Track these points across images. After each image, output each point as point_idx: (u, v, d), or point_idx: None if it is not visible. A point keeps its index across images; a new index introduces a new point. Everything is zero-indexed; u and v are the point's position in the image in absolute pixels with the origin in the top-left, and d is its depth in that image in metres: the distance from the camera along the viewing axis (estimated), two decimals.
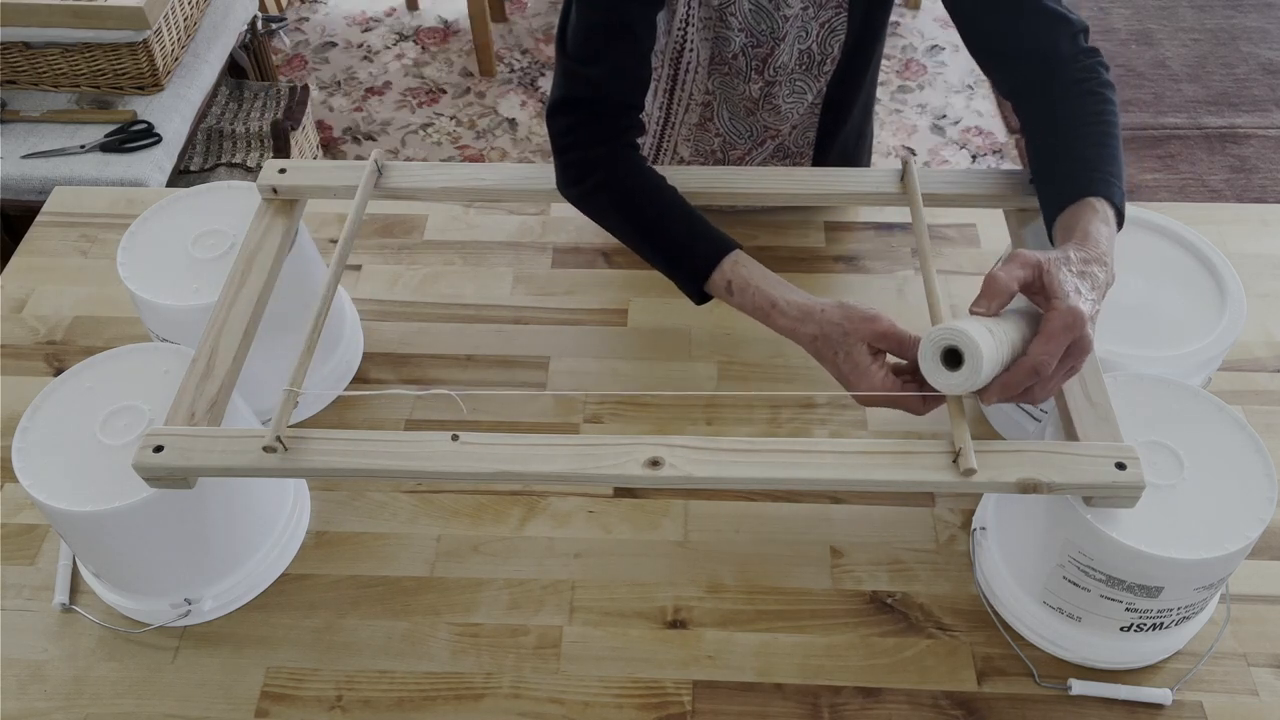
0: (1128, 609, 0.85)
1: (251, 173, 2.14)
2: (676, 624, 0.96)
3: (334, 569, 1.00)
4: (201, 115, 2.16)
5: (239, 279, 0.97)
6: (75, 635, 0.96)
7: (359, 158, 2.71)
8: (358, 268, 1.28)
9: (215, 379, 0.89)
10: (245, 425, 0.95)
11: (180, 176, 2.08)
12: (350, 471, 0.84)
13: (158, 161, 1.94)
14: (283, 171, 1.05)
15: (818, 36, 1.09)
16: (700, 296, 0.95)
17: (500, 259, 1.28)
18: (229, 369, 0.90)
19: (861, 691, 0.91)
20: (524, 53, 3.04)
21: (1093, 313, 0.79)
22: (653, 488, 1.04)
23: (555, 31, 1.02)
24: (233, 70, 2.36)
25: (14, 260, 1.30)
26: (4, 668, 0.94)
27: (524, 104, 2.87)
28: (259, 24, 2.41)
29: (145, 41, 1.97)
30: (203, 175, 2.13)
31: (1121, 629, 0.87)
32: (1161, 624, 0.87)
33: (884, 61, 1.18)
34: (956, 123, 2.77)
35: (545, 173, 1.08)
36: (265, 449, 0.82)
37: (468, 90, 2.93)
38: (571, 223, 1.31)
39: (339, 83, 2.96)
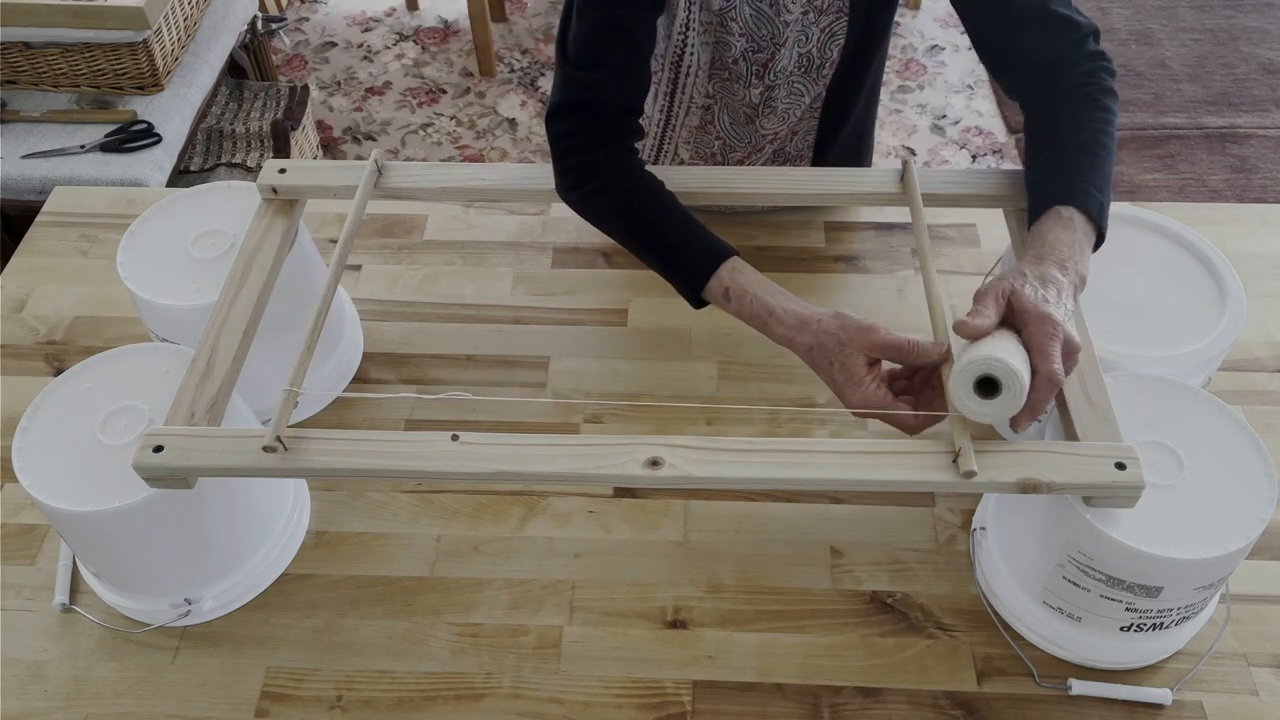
0: (1128, 609, 0.85)
1: (251, 173, 2.14)
2: (676, 624, 0.96)
3: (334, 569, 1.00)
4: (201, 115, 2.16)
5: (239, 279, 0.97)
6: (75, 635, 0.96)
7: (359, 158, 2.71)
8: (358, 268, 1.28)
9: (215, 379, 0.89)
10: (245, 425, 0.95)
11: (180, 176, 2.08)
12: (350, 471, 0.84)
13: (158, 161, 1.94)
14: (283, 171, 1.05)
15: (818, 41, 1.09)
16: (697, 302, 0.96)
17: (500, 259, 1.28)
18: (229, 369, 0.90)
19: (861, 691, 0.91)
20: (524, 53, 3.04)
21: (1065, 316, 0.81)
22: (653, 488, 1.04)
23: (555, 36, 1.02)
24: (233, 70, 2.36)
25: (14, 260, 1.30)
26: (4, 668, 0.94)
27: (524, 104, 2.87)
28: (259, 24, 2.41)
29: (145, 41, 1.97)
30: (203, 175, 2.13)
31: (1121, 629, 0.87)
32: (1161, 624, 0.87)
33: (885, 63, 1.17)
34: (956, 123, 2.77)
35: (545, 173, 1.08)
36: (265, 449, 0.82)
37: (468, 90, 2.93)
38: (571, 223, 1.31)
39: (339, 83, 2.96)
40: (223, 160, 2.17)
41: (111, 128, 1.97)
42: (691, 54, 1.10)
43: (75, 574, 1.00)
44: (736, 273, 0.92)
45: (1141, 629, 0.87)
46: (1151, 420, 0.87)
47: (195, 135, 2.16)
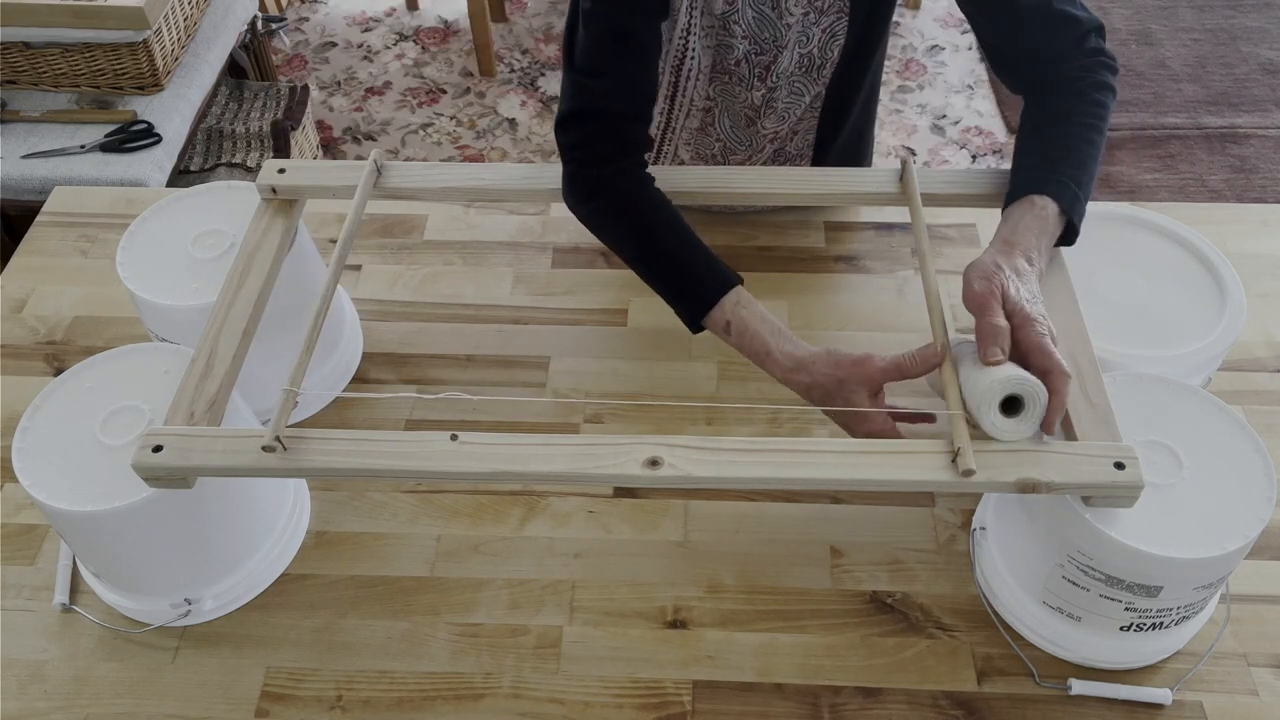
0: (1127, 609, 0.85)
1: (251, 173, 2.14)
2: (676, 624, 0.96)
3: (334, 569, 1.00)
4: (201, 115, 2.16)
5: (238, 279, 0.97)
6: (75, 635, 0.96)
7: (359, 158, 2.71)
8: (358, 268, 1.28)
9: (215, 379, 0.89)
10: (245, 425, 0.95)
11: (180, 176, 2.08)
12: (350, 471, 0.84)
13: (158, 161, 1.94)
14: (282, 171, 1.05)
15: (819, 41, 1.10)
16: (696, 328, 0.97)
17: (500, 259, 1.28)
18: (228, 369, 0.90)
19: (861, 691, 0.91)
20: (524, 53, 3.04)
21: (1043, 311, 0.84)
22: (652, 488, 1.04)
23: (562, 43, 1.02)
24: (233, 70, 2.36)
25: (14, 260, 1.30)
26: (4, 668, 0.94)
27: (524, 104, 2.87)
28: (259, 24, 2.41)
29: (145, 41, 1.97)
30: (203, 175, 2.13)
31: (1121, 629, 0.87)
32: (1161, 624, 0.87)
33: (885, 61, 1.18)
34: (956, 123, 2.77)
35: (545, 172, 1.08)
36: (264, 449, 0.82)
37: (468, 90, 2.93)
38: (571, 223, 1.30)
39: (339, 83, 2.96)
40: (223, 160, 2.17)
41: (111, 128, 1.97)
42: (692, 57, 1.11)
43: (75, 574, 1.00)
44: (740, 307, 0.93)
45: (1141, 629, 0.87)
46: (1151, 420, 0.87)
47: (195, 135, 2.16)
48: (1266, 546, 0.99)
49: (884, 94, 2.85)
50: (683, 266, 0.96)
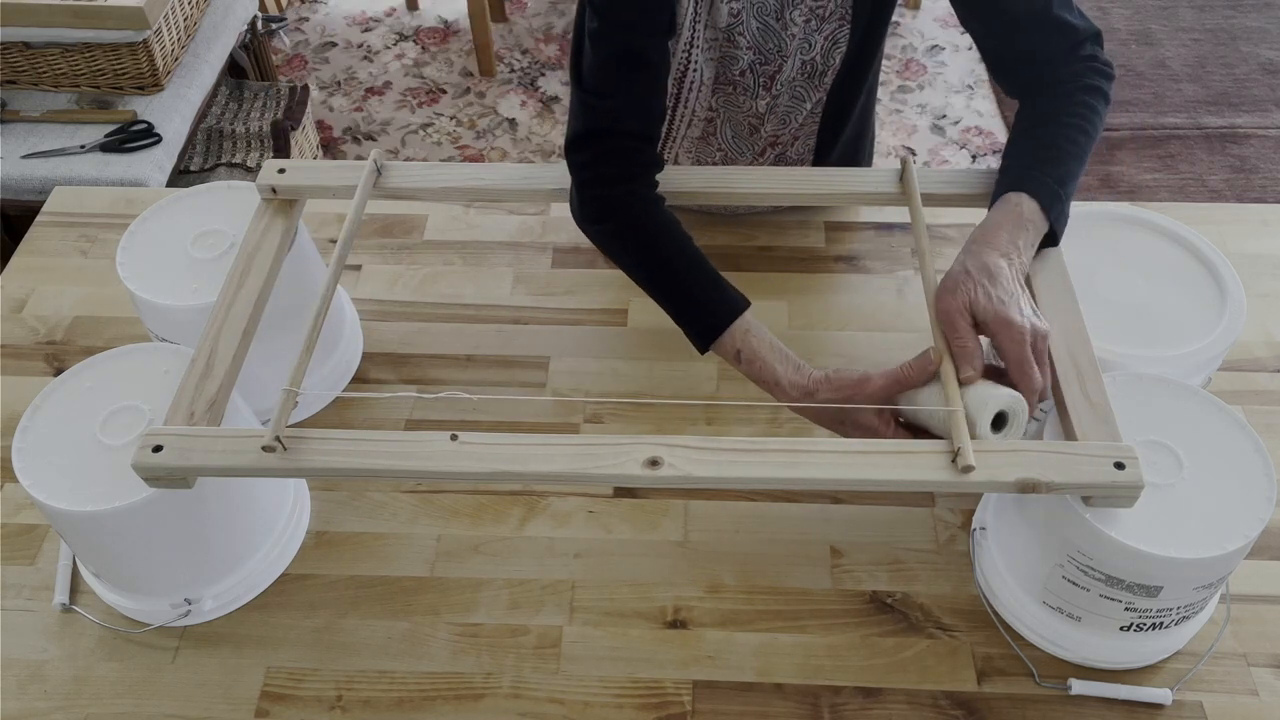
0: (1127, 608, 0.85)
1: (251, 173, 2.14)
2: (676, 624, 0.96)
3: (334, 569, 1.00)
4: (201, 115, 2.16)
5: (238, 279, 0.97)
6: (75, 635, 0.96)
7: (359, 158, 2.71)
8: (358, 268, 1.28)
9: (214, 379, 0.89)
10: (245, 425, 0.95)
11: (180, 176, 2.08)
12: (350, 471, 0.84)
13: (158, 161, 1.94)
14: (282, 171, 1.05)
15: (821, 48, 1.10)
16: (704, 350, 0.97)
17: (500, 259, 1.28)
18: (228, 369, 0.90)
19: (861, 691, 0.91)
20: (524, 53, 3.04)
21: (1021, 307, 0.85)
22: (652, 488, 1.04)
23: (569, 60, 1.02)
24: (233, 70, 2.36)
25: (14, 260, 1.30)
26: (4, 668, 0.94)
27: (524, 104, 2.87)
28: (259, 24, 2.41)
29: (145, 41, 1.97)
30: (203, 175, 2.13)
31: (1121, 629, 0.87)
32: (1161, 624, 0.87)
33: (884, 61, 1.18)
34: (956, 123, 2.77)
35: (545, 173, 1.08)
36: (264, 449, 0.82)
37: (468, 90, 2.93)
38: (572, 222, 1.31)
39: (339, 83, 2.96)
40: (223, 160, 2.17)
41: (111, 128, 1.97)
42: (695, 70, 1.11)
43: (75, 574, 1.00)
44: (750, 335, 0.94)
45: (1141, 629, 0.87)
46: (1151, 420, 0.87)
47: (195, 135, 2.16)
48: (1266, 546, 0.99)
49: (884, 94, 2.85)
50: (694, 292, 0.97)
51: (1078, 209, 1.05)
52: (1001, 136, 2.73)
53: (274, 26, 2.70)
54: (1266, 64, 2.90)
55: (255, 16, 2.39)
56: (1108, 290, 0.99)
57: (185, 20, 2.11)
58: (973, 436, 0.81)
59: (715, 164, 1.23)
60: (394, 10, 3.21)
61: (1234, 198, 2.54)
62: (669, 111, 1.17)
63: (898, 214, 1.30)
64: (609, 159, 1.00)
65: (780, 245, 1.28)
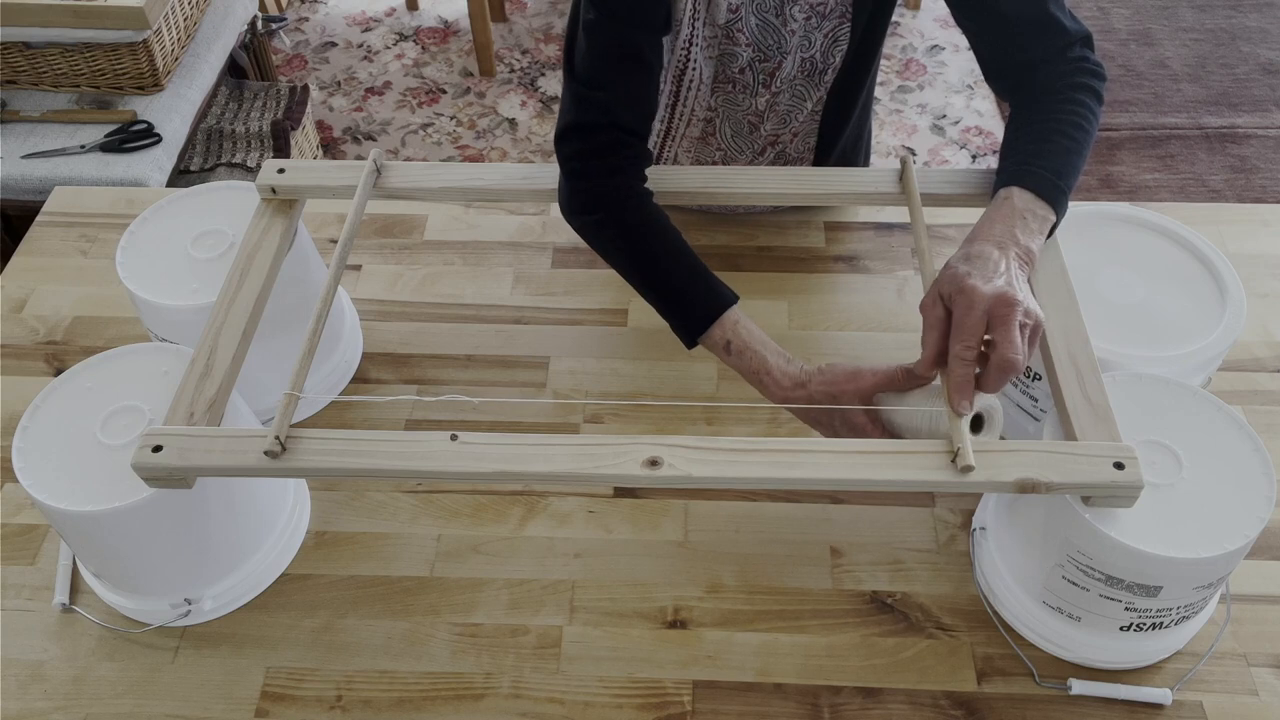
0: (1127, 608, 0.85)
1: (251, 173, 2.14)
2: (676, 624, 0.96)
3: (334, 569, 1.00)
4: (201, 115, 2.16)
5: (238, 279, 0.97)
6: (75, 635, 0.96)
7: (359, 158, 2.71)
8: (358, 268, 1.28)
9: (214, 379, 0.89)
10: (245, 425, 0.95)
11: (180, 176, 2.08)
12: (350, 471, 0.84)
13: (158, 161, 1.94)
14: (281, 171, 1.05)
15: (821, 46, 1.10)
16: (692, 344, 0.97)
17: (500, 259, 1.28)
18: (228, 369, 0.90)
19: (861, 691, 0.91)
20: (524, 53, 3.04)
21: (1001, 285, 0.82)
22: (652, 488, 1.04)
23: (563, 51, 1.02)
24: (233, 70, 2.36)
25: (14, 260, 1.30)
26: (4, 668, 0.94)
27: (524, 104, 2.87)
28: (259, 24, 2.41)
29: (145, 41, 1.97)
30: (203, 175, 2.13)
31: (1121, 629, 0.87)
32: (1161, 623, 0.87)
33: (884, 61, 1.18)
34: (956, 123, 2.77)
35: (545, 172, 1.08)
36: (267, 453, 0.82)
37: (468, 90, 2.93)
38: None
39: (339, 83, 2.96)
40: (223, 160, 2.17)
41: (111, 128, 1.97)
42: (694, 68, 1.11)
43: (75, 574, 1.00)
44: (739, 327, 0.94)
45: (1141, 629, 0.87)
46: (1150, 420, 0.87)
47: (195, 135, 2.16)
48: (1266, 546, 0.99)
49: (884, 94, 2.85)
50: (682, 284, 0.97)
51: (1078, 209, 1.05)
52: (1001, 136, 2.73)
53: (274, 26, 2.70)
54: (1266, 64, 2.90)
55: (255, 16, 2.39)
56: (1108, 290, 0.99)
57: (185, 20, 2.11)
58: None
59: (715, 163, 1.23)
60: (394, 10, 3.21)
61: (1234, 198, 2.54)
62: (668, 110, 1.17)
63: (898, 214, 1.30)
64: (600, 152, 1.00)
65: (780, 245, 1.28)
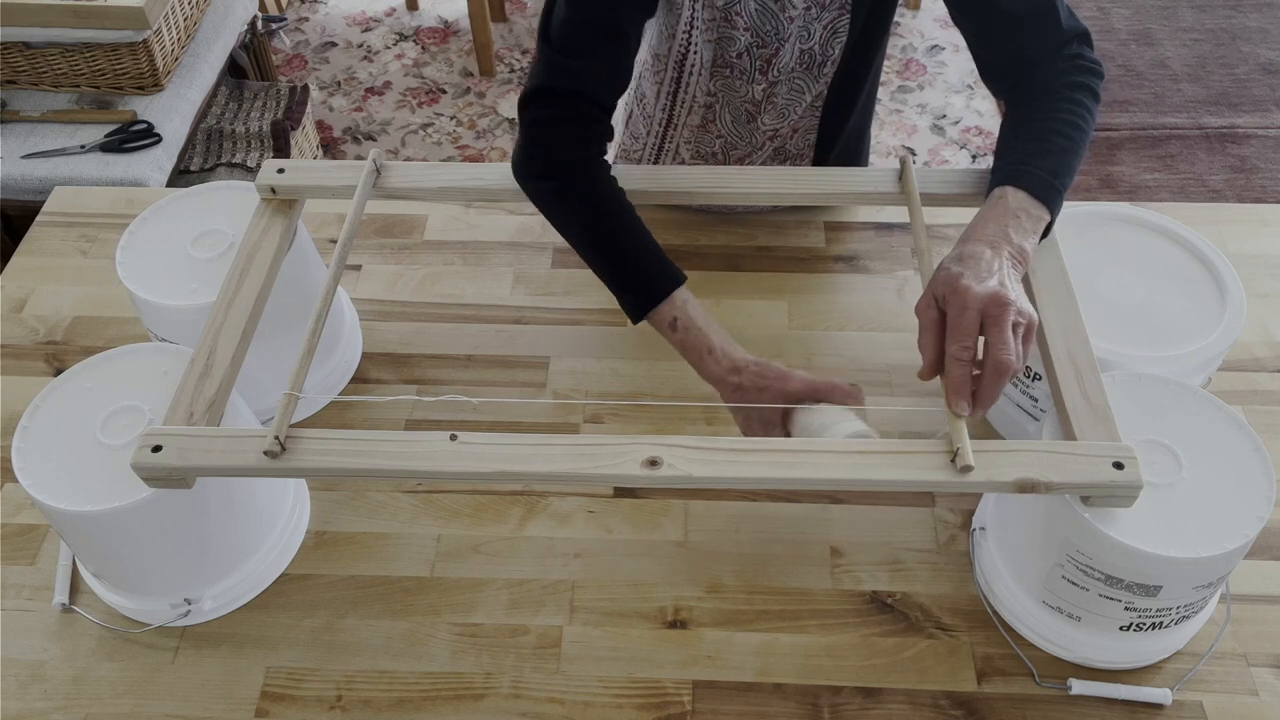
0: (1127, 608, 0.85)
1: (251, 173, 2.14)
2: (676, 624, 0.96)
3: (334, 569, 1.00)
4: (201, 115, 2.16)
5: (238, 279, 0.97)
6: (75, 635, 0.96)
7: (359, 158, 2.71)
8: (358, 268, 1.28)
9: (214, 379, 0.89)
10: (245, 425, 0.95)
11: (180, 176, 2.08)
12: (350, 471, 0.84)
13: (158, 161, 1.94)
14: (281, 171, 1.05)
15: (820, 37, 1.10)
16: (640, 319, 0.97)
17: (500, 259, 1.28)
18: (227, 369, 0.90)
19: (861, 691, 0.91)
20: (524, 53, 3.04)
21: (975, 274, 0.83)
22: (652, 488, 1.04)
23: (539, 20, 1.02)
24: (233, 70, 2.36)
25: (14, 260, 1.30)
26: (4, 668, 0.94)
27: None
28: (259, 24, 2.41)
29: (145, 41, 1.97)
30: (203, 175, 2.13)
31: (1121, 628, 0.87)
32: (1161, 623, 0.87)
33: (884, 62, 1.18)
34: (956, 123, 2.77)
35: None
36: (266, 453, 0.82)
37: (468, 90, 2.93)
38: None
39: (339, 83, 2.96)
40: (223, 160, 2.17)
41: (111, 128, 1.97)
42: (695, 51, 1.11)
43: (75, 574, 1.00)
44: (688, 306, 0.95)
45: (1141, 628, 0.87)
46: (1150, 420, 0.87)
47: (195, 135, 2.16)
48: (1266, 546, 0.99)
49: (884, 94, 2.85)
50: (635, 259, 0.97)
51: (1078, 209, 1.06)
52: None
53: (274, 26, 2.70)
54: (1266, 64, 2.90)
55: (255, 16, 2.39)
56: (1108, 290, 0.99)
57: (185, 20, 2.11)
58: None
59: (714, 153, 1.23)
60: (394, 10, 3.21)
61: (1234, 198, 2.54)
62: (670, 98, 1.17)
63: (897, 214, 1.30)
64: (567, 119, 0.99)
65: (780, 245, 1.28)
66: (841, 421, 0.86)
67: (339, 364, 1.14)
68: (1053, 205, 0.91)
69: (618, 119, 1.29)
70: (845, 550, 1.00)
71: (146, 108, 2.02)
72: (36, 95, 2.04)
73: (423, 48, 3.07)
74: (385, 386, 1.15)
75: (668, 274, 0.96)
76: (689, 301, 0.96)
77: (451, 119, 2.84)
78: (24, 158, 1.92)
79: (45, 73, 2.02)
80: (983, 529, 0.97)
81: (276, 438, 0.82)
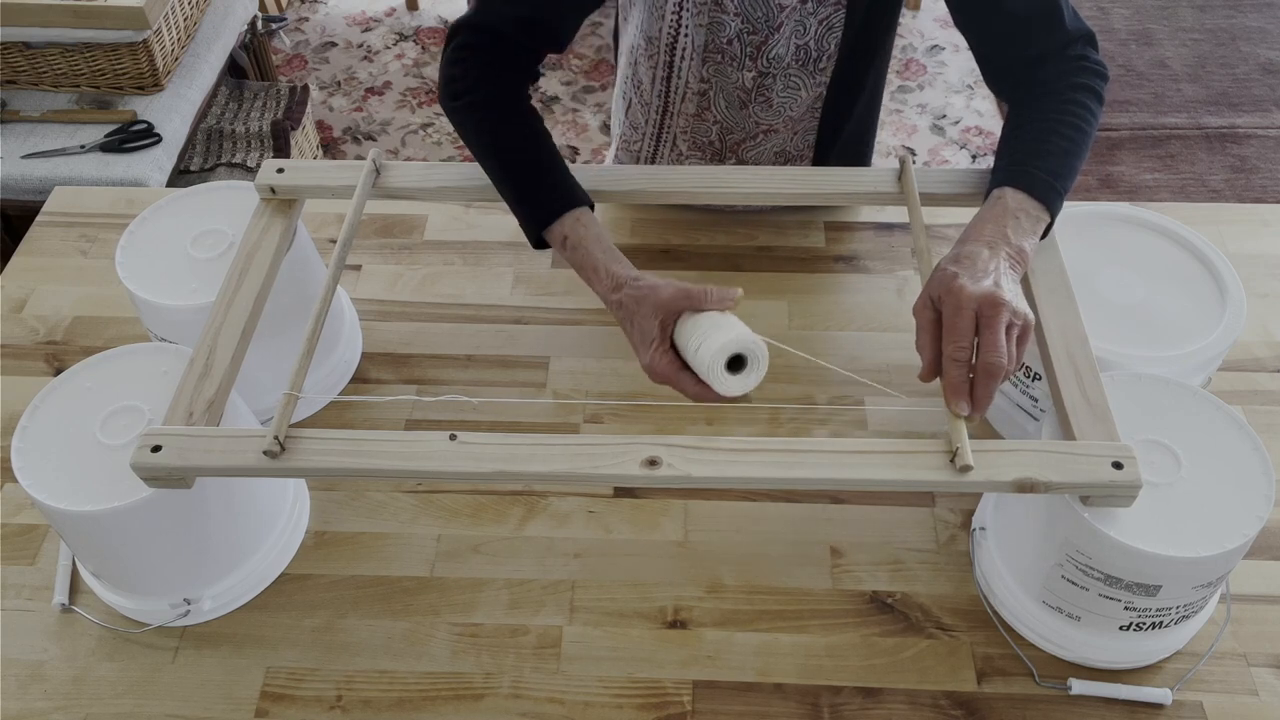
0: (1126, 608, 0.85)
1: (251, 173, 2.14)
2: (676, 624, 0.96)
3: (334, 569, 1.00)
4: (201, 115, 2.16)
5: (237, 279, 0.97)
6: (75, 635, 0.96)
7: (359, 158, 2.71)
8: (358, 268, 1.28)
9: (213, 379, 0.89)
10: (244, 425, 0.95)
11: (180, 176, 2.08)
12: (350, 471, 0.84)
13: (158, 161, 1.94)
14: (281, 171, 1.05)
15: (815, 33, 1.10)
16: (538, 241, 0.97)
17: (500, 259, 1.28)
18: (227, 369, 0.90)
19: (861, 691, 0.91)
20: None
21: (971, 275, 0.82)
22: (652, 487, 1.04)
23: None
24: (233, 70, 2.36)
25: (14, 260, 1.30)
26: (4, 668, 0.94)
27: None
28: (259, 24, 2.41)
29: (145, 41, 1.97)
30: (203, 175, 2.13)
31: (1121, 628, 0.87)
32: (1161, 623, 0.87)
33: (888, 65, 1.18)
34: (956, 123, 2.77)
35: None
36: (266, 453, 0.82)
37: None
38: None
39: (339, 83, 2.96)
40: (223, 160, 2.17)
41: (111, 128, 1.97)
42: (686, 35, 1.11)
43: (75, 574, 1.00)
44: (580, 224, 0.94)
45: (1141, 628, 0.87)
46: (1150, 419, 0.87)
47: (195, 135, 2.16)
48: (1266, 546, 0.99)
49: (884, 94, 2.85)
50: (537, 178, 0.97)
51: (1078, 209, 1.06)
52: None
53: (274, 26, 2.70)
54: (1266, 64, 2.90)
55: (255, 16, 2.39)
56: (1108, 290, 0.99)
57: (185, 20, 2.11)
58: (709, 381, 0.83)
59: (711, 141, 1.23)
60: (394, 10, 3.21)
61: (1234, 198, 2.54)
62: (664, 84, 1.17)
63: (898, 214, 1.31)
64: (493, 49, 1.00)
65: (780, 245, 1.28)
66: (721, 328, 0.84)
67: (339, 364, 1.14)
68: (1052, 206, 0.91)
69: (617, 110, 1.29)
70: (845, 550, 1.00)
71: (146, 108, 2.02)
72: (36, 95, 2.04)
73: (423, 48, 3.07)
74: (385, 386, 1.15)
75: (568, 194, 0.96)
76: (582, 220, 0.94)
77: None
78: (24, 158, 1.92)
79: (45, 73, 2.02)
80: (983, 529, 0.97)
81: (276, 438, 0.82)
